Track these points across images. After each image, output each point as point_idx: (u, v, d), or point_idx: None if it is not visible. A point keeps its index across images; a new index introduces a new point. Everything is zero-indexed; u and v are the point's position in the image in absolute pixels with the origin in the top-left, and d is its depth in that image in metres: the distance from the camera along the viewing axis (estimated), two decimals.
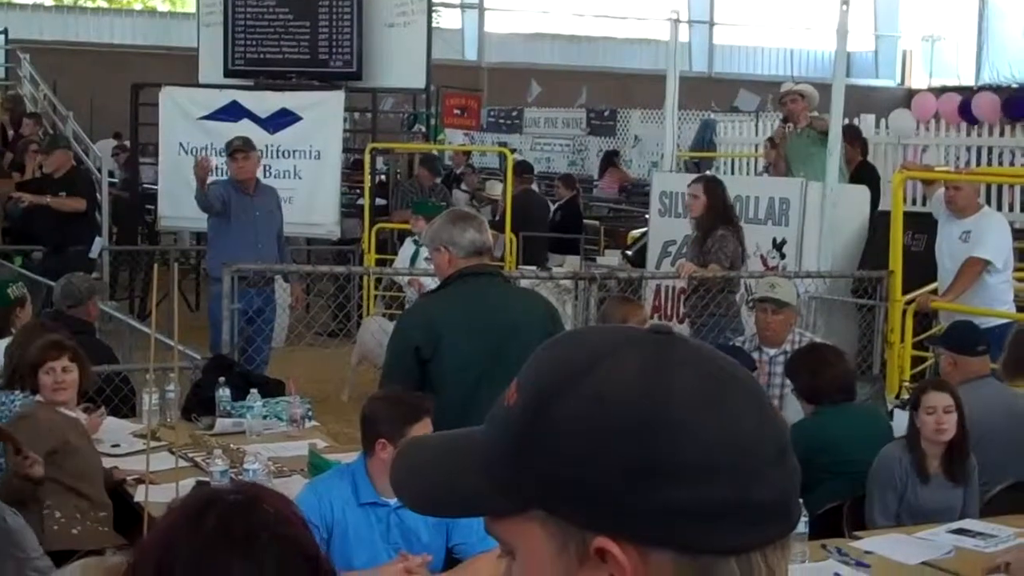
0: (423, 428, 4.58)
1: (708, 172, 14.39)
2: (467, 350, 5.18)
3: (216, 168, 13.24)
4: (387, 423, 4.61)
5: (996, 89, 19.43)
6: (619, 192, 22.06)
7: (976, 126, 15.19)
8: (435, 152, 16.26)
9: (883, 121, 14.75)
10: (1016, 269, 9.56)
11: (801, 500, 4.46)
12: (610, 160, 22.46)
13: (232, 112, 13.38)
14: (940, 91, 18.89)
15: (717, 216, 9.05)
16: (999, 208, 12.76)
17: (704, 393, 1.13)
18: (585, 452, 1.11)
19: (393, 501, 4.67)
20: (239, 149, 10.09)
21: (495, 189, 17.04)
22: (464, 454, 1.21)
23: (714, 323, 8.88)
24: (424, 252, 11.02)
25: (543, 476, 1.13)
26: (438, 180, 14.89)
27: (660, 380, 1.13)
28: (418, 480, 1.24)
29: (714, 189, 9.14)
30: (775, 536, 1.14)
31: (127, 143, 17.97)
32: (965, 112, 15.42)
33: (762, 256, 10.21)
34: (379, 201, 14.70)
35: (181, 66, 18.40)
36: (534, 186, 17.08)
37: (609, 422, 1.11)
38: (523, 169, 16.22)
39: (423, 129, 18.34)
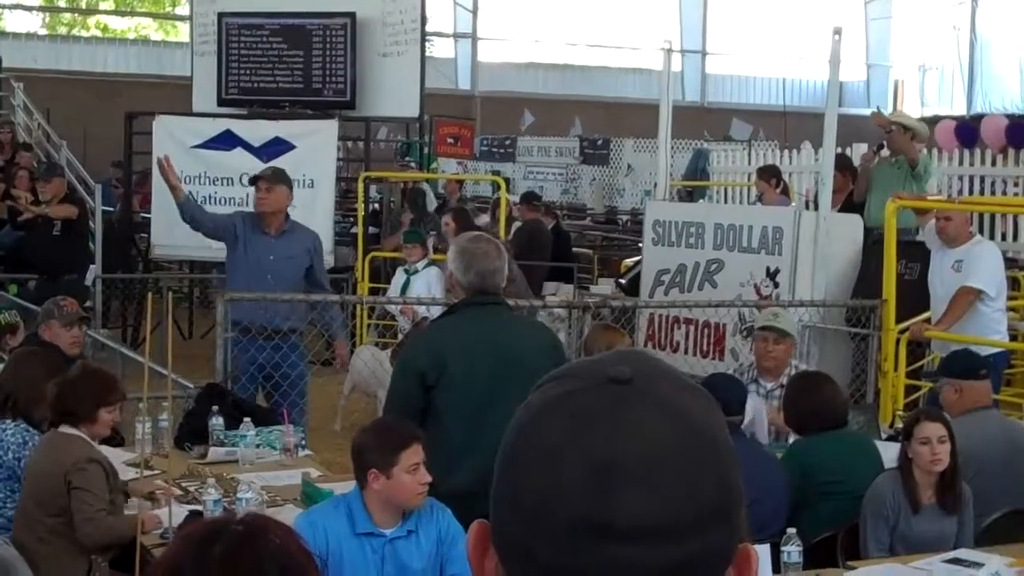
0: (413, 455, 4.58)
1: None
2: (471, 377, 5.17)
3: (211, 197, 13.31)
4: (376, 452, 4.61)
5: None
6: None
7: (971, 155, 15.22)
8: (422, 188, 16.25)
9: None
10: (1009, 298, 9.57)
11: (794, 529, 4.45)
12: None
13: (226, 141, 13.39)
14: (933, 120, 18.93)
15: None
16: (992, 237, 12.77)
17: (545, 447, 1.16)
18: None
19: (389, 532, 4.66)
20: (260, 177, 8.82)
21: (481, 222, 17.02)
22: None
23: None
24: (415, 280, 11.06)
25: None
26: (430, 210, 14.90)
27: (537, 417, 1.18)
28: None
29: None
30: None
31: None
32: (964, 135, 15.48)
33: (755, 285, 10.22)
34: (372, 230, 14.71)
35: (174, 95, 18.41)
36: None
37: (504, 438, 1.21)
38: (531, 198, 16.26)
39: (413, 165, 18.35)
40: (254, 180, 8.81)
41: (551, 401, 1.18)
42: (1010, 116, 19.42)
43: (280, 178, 8.78)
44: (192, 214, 8.98)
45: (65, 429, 5.65)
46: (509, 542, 1.16)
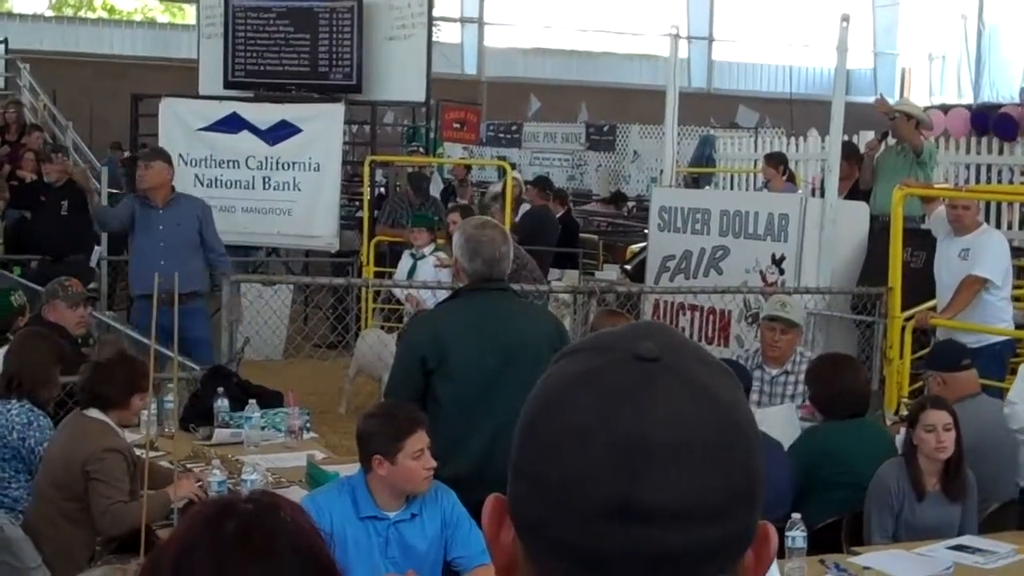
0: (418, 441, 4.57)
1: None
2: (472, 362, 5.18)
3: (217, 180, 13.30)
4: (381, 439, 4.60)
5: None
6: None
7: (978, 143, 15.19)
8: (426, 172, 16.25)
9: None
10: (1015, 287, 9.56)
11: (799, 514, 4.44)
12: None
13: (232, 124, 13.39)
14: (943, 109, 18.86)
15: None
16: (998, 226, 12.74)
17: (571, 424, 1.12)
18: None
19: (392, 515, 4.66)
20: (141, 156, 9.46)
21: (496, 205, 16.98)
22: None
23: None
24: (422, 264, 11.06)
25: None
26: (433, 195, 14.87)
27: (562, 393, 1.15)
28: None
29: None
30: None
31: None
32: (978, 122, 15.54)
33: (761, 272, 10.21)
34: (378, 213, 14.70)
35: (180, 77, 18.41)
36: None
37: (525, 410, 1.18)
38: (544, 184, 16.25)
39: (420, 149, 18.34)
40: (133, 160, 9.57)
41: (576, 376, 1.14)
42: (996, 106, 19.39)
43: (157, 155, 9.69)
44: (103, 219, 10.07)
45: (92, 412, 5.62)
46: (530, 519, 1.14)
